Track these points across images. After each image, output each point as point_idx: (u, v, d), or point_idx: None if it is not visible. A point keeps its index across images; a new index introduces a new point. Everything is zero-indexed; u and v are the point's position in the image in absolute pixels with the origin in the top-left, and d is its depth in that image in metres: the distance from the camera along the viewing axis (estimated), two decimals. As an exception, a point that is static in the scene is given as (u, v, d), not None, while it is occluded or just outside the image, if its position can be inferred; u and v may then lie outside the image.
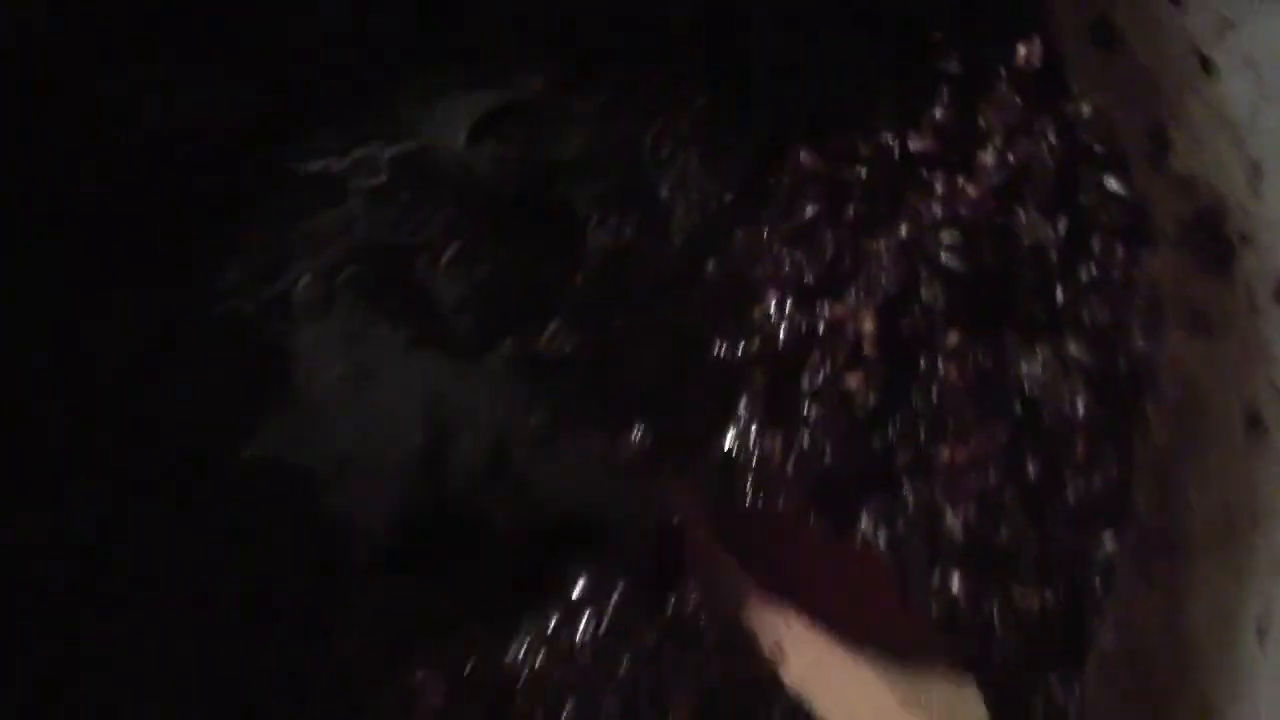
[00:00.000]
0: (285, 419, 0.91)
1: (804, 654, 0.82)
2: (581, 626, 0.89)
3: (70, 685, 0.84)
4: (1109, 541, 0.90)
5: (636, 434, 0.91)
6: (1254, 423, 0.81)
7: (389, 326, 0.92)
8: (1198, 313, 0.87)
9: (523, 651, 0.89)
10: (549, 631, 0.90)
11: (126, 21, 0.90)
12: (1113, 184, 0.91)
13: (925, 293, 0.91)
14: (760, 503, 0.90)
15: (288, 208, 0.92)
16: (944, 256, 0.91)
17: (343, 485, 0.90)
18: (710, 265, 0.94)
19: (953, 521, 0.89)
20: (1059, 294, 0.92)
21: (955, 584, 0.89)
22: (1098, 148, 0.91)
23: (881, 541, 0.90)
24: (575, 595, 0.90)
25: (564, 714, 0.87)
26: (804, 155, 0.93)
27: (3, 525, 0.86)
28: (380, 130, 0.93)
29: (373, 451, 0.91)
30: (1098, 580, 0.89)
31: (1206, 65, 0.81)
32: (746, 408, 0.92)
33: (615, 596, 0.89)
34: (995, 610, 0.89)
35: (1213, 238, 0.84)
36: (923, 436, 0.91)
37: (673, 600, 0.89)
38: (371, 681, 0.87)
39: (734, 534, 0.86)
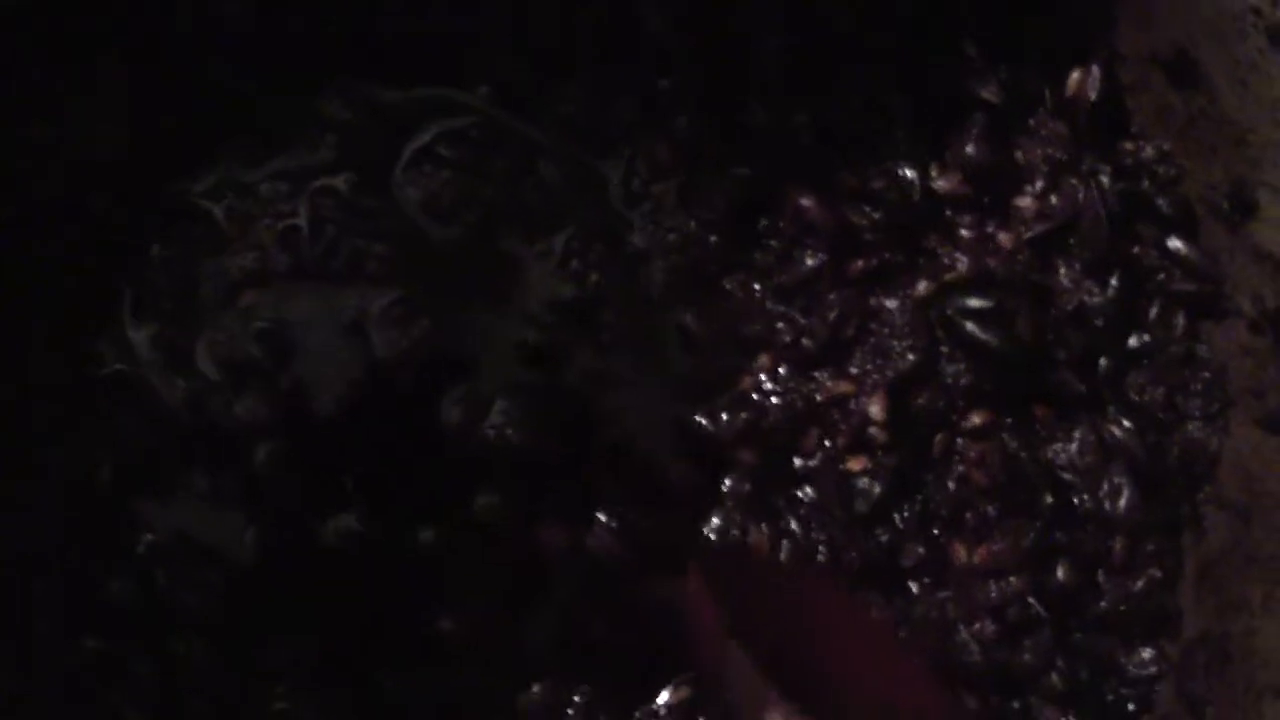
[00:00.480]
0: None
1: None
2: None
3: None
4: (1147, 656, 0.77)
5: (607, 527, 0.79)
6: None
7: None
8: (1270, 405, 0.73)
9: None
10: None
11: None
12: (1177, 244, 0.76)
13: (945, 366, 0.77)
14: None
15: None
16: (969, 325, 0.76)
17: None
18: (690, 320, 0.80)
19: (967, 637, 0.77)
20: (1103, 365, 0.78)
21: (968, 706, 0.77)
22: (1161, 201, 0.76)
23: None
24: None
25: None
26: (804, 196, 0.78)
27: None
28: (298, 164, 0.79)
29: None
30: (1132, 702, 0.78)
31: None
32: (732, 491, 0.79)
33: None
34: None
35: (1296, 326, 0.70)
36: (936, 533, 0.78)
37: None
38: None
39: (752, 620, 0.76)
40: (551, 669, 0.79)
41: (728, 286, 0.80)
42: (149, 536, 0.78)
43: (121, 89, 0.78)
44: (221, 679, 0.78)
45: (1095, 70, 0.76)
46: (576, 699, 0.78)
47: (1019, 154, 0.78)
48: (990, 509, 0.78)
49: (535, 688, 0.79)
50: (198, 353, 0.78)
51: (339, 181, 0.79)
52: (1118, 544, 0.78)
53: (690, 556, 0.79)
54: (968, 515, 0.78)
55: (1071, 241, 0.78)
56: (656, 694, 0.79)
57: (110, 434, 0.77)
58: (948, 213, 0.79)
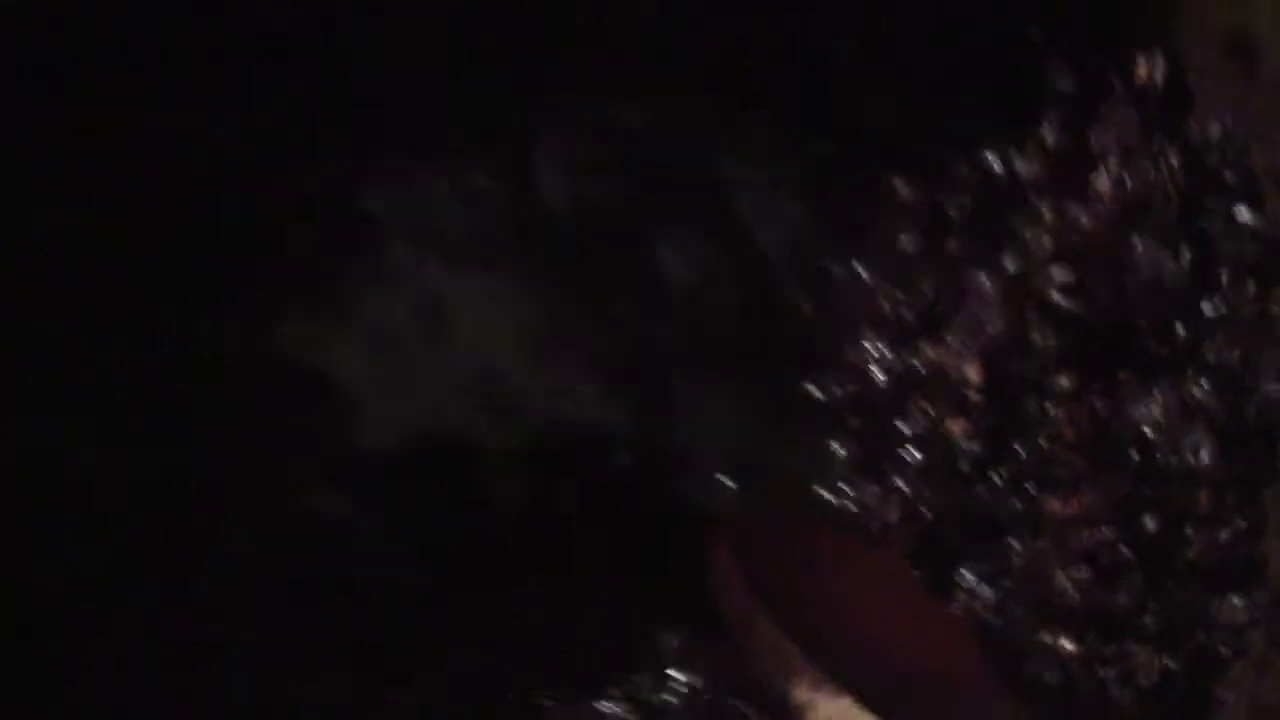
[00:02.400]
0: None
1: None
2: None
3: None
4: (1237, 603, 0.83)
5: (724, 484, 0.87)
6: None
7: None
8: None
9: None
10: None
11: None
12: (1244, 214, 0.83)
13: (1034, 334, 0.84)
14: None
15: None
16: (1055, 295, 0.84)
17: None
18: (800, 302, 0.88)
19: (1063, 581, 0.83)
20: (1181, 332, 0.84)
21: (1068, 648, 0.83)
22: (1228, 175, 0.83)
23: (987, 599, 0.84)
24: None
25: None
26: (898, 182, 0.86)
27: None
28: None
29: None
30: (1224, 646, 0.83)
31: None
32: (843, 455, 0.87)
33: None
34: (1113, 677, 0.83)
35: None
36: (1031, 488, 0.84)
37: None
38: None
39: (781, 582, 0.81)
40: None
41: (832, 269, 0.89)
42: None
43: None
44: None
45: (1160, 55, 0.84)
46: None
47: (1093, 139, 0.86)
48: (1080, 464, 0.84)
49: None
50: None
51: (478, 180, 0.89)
52: (1202, 497, 0.83)
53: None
54: (1060, 471, 0.85)
55: (1145, 218, 0.85)
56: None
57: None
58: (1030, 196, 0.87)
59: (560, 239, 0.88)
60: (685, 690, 0.84)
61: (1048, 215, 0.86)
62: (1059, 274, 0.84)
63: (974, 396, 0.84)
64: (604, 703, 0.84)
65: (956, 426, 0.85)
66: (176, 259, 0.86)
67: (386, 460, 0.86)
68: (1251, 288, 0.84)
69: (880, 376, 0.87)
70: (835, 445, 0.87)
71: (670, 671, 0.85)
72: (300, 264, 0.88)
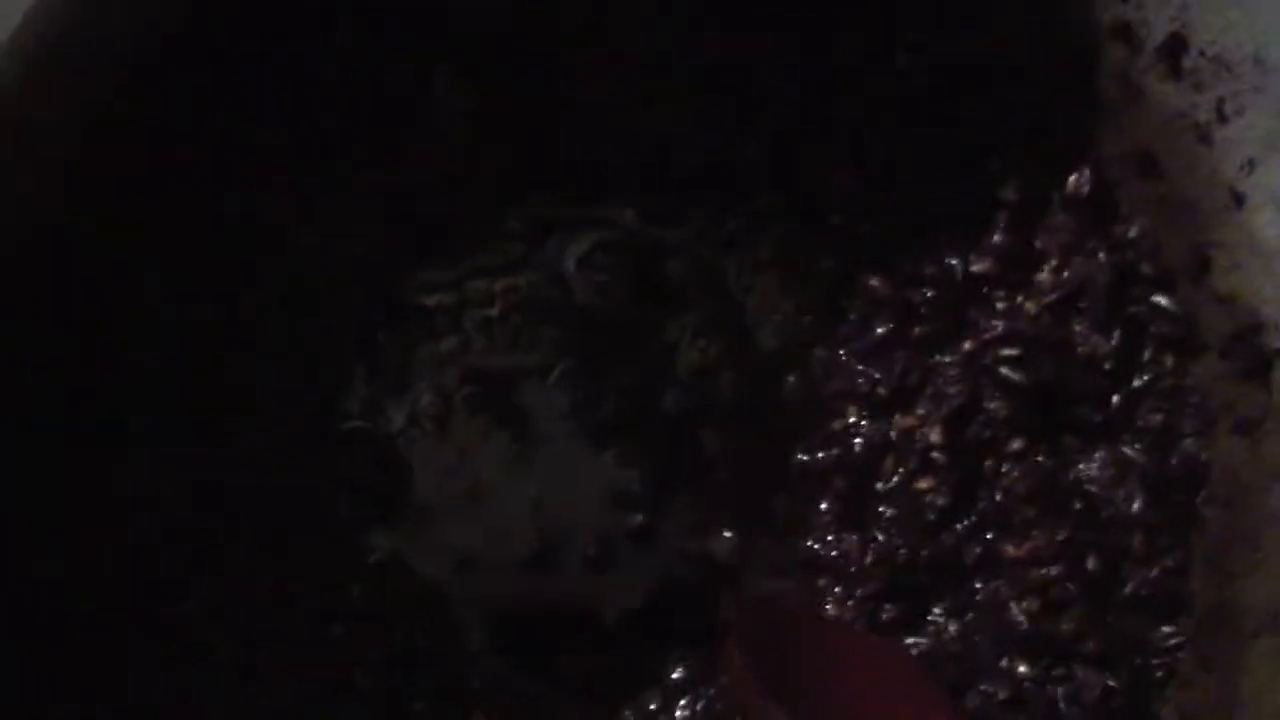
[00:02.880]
0: (409, 528, 1.02)
1: None
2: (679, 711, 0.99)
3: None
4: (1168, 630, 0.97)
5: (727, 536, 1.01)
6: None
7: (500, 440, 1.02)
8: (1242, 417, 0.94)
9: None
10: (648, 712, 1.00)
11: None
12: (1161, 300, 0.98)
13: (989, 404, 0.99)
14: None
15: (408, 337, 1.04)
16: (1005, 370, 0.99)
17: (459, 584, 1.01)
18: (792, 381, 1.03)
19: (1018, 613, 0.97)
20: (1114, 401, 0.99)
21: (1021, 670, 0.97)
22: (1145, 267, 0.99)
23: (952, 631, 0.98)
24: (674, 678, 1.00)
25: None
26: (874, 280, 1.02)
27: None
28: (491, 265, 1.04)
29: (487, 555, 1.02)
30: (1158, 668, 0.96)
31: (1237, 198, 0.90)
32: (827, 510, 1.01)
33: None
34: (1060, 695, 0.97)
35: (1252, 350, 0.91)
36: (989, 534, 0.99)
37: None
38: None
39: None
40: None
41: (819, 353, 1.03)
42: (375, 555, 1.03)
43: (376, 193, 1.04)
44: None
45: (1087, 172, 1.00)
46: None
47: (1037, 240, 1.01)
48: (1031, 513, 0.98)
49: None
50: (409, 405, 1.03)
51: (521, 280, 1.04)
52: (1136, 539, 0.97)
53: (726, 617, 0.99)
54: (1014, 519, 0.98)
55: (1081, 305, 1.00)
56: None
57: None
58: (984, 289, 1.02)
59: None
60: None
61: (999, 304, 1.01)
62: (1009, 351, 0.99)
63: (939, 456, 0.99)
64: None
65: (925, 483, 0.99)
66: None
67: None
68: (1170, 360, 0.99)
69: (859, 442, 1.01)
70: (821, 503, 1.02)
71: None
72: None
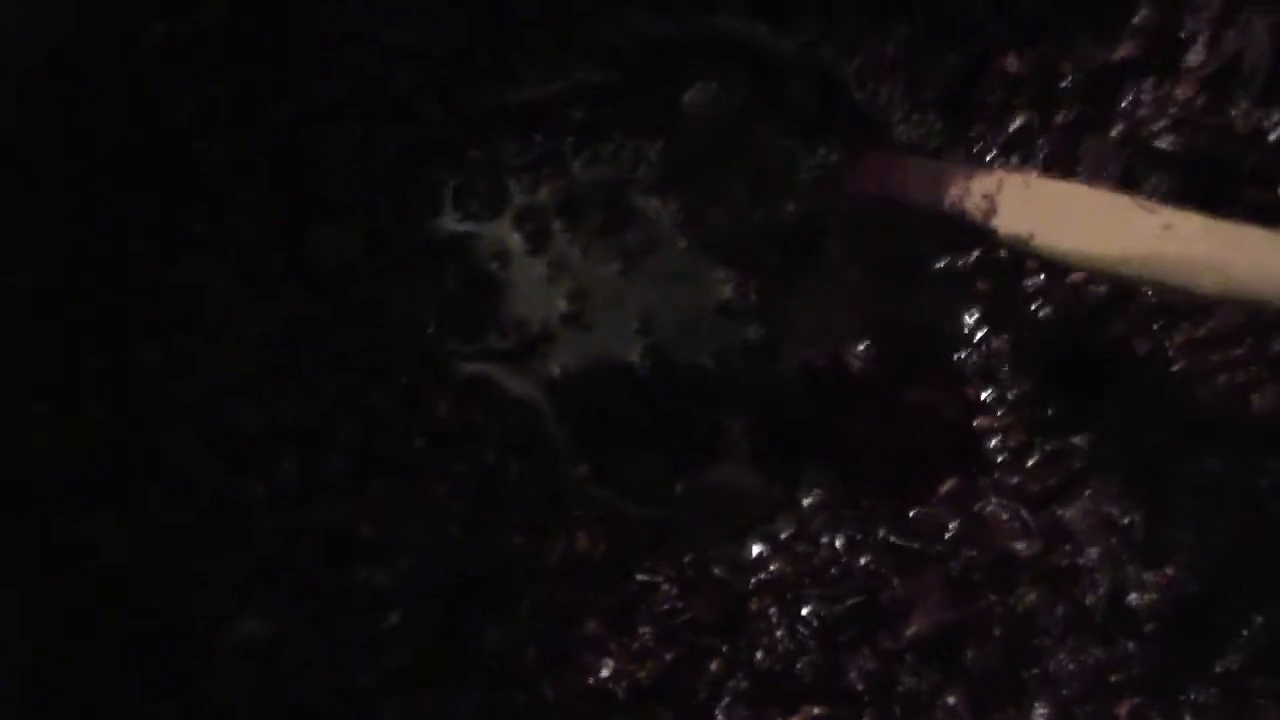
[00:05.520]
0: (502, 345, 0.93)
1: (1014, 192, 0.82)
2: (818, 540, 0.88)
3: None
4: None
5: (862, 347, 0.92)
6: None
7: (602, 255, 0.95)
8: None
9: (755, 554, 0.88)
10: (781, 541, 0.88)
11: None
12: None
13: (1146, 183, 0.90)
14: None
15: (500, 151, 0.97)
16: (1159, 143, 0.90)
17: (556, 403, 0.92)
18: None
19: (1204, 392, 0.86)
20: (1287, 181, 0.90)
21: (1213, 463, 0.85)
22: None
23: (1130, 422, 0.87)
24: (807, 503, 0.89)
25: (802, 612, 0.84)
26: (1010, 60, 0.94)
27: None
28: (592, 81, 0.98)
29: (592, 371, 0.92)
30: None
31: None
32: (973, 315, 0.92)
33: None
34: (1263, 488, 0.85)
35: None
36: (1156, 325, 0.89)
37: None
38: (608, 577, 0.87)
39: None
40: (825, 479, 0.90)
41: (951, 155, 0.95)
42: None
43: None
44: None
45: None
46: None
47: (1185, 22, 0.94)
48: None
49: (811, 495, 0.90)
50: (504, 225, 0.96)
51: (625, 96, 0.97)
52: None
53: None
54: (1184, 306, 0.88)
55: (1238, 81, 0.92)
56: (928, 493, 0.89)
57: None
58: (1129, 76, 0.94)
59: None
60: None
61: (1146, 95, 0.94)
62: (1162, 127, 0.91)
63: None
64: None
65: (1079, 275, 0.90)
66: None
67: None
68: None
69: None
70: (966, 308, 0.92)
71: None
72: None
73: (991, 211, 0.82)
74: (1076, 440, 0.87)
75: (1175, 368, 0.87)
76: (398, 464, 0.89)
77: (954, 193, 0.84)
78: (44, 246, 0.89)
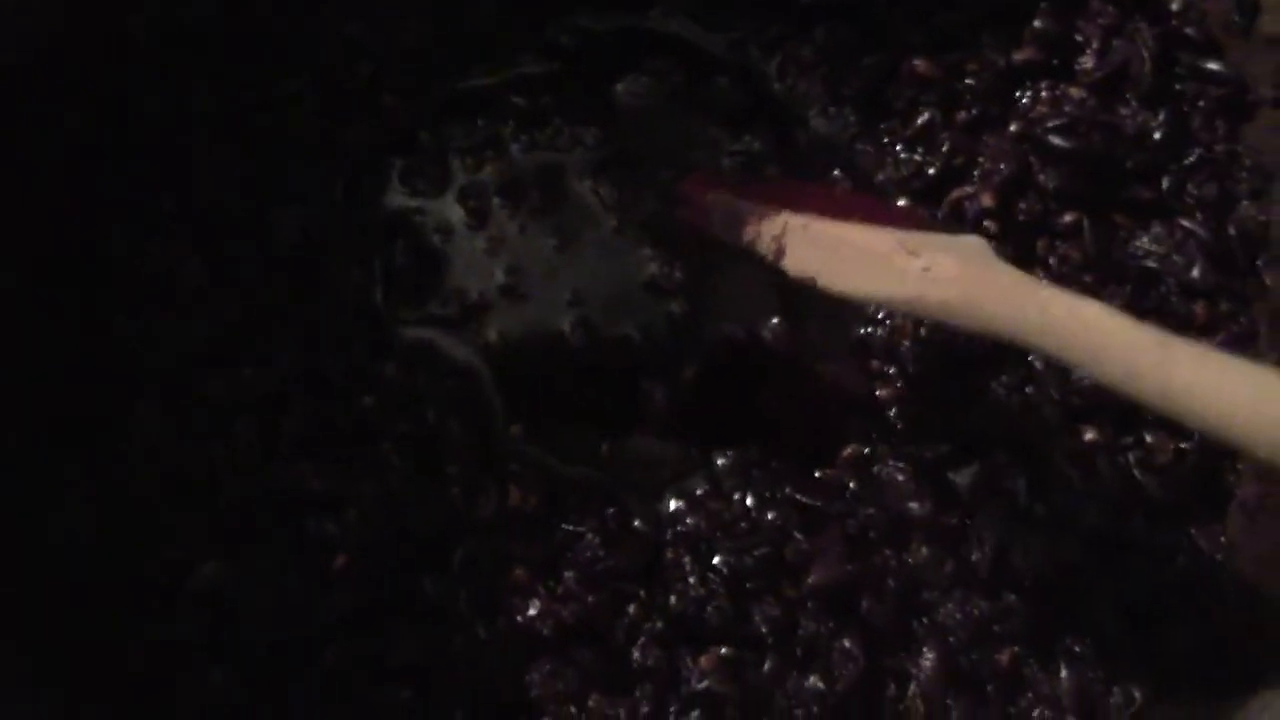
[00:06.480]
0: (443, 314, 1.00)
1: (800, 235, 0.88)
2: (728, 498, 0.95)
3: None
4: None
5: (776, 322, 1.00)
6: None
7: (538, 233, 1.02)
8: (1297, 162, 0.94)
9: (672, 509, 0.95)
10: (695, 497, 0.95)
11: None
12: (1210, 64, 0.99)
13: (1039, 177, 0.98)
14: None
15: (447, 135, 1.05)
16: (1053, 139, 0.98)
17: (493, 369, 0.99)
18: (838, 174, 1.03)
19: (1081, 380, 0.93)
20: (1166, 181, 0.98)
21: (1089, 437, 0.93)
22: (1189, 31, 0.99)
23: (1015, 403, 0.94)
24: (720, 464, 0.96)
25: (713, 562, 0.92)
26: (919, 63, 1.02)
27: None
28: (534, 74, 1.06)
29: (527, 339, 1.00)
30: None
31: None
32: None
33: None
34: (1132, 460, 0.93)
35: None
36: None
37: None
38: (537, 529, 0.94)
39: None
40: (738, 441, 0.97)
41: (862, 146, 1.03)
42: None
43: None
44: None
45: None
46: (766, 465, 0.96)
47: (1078, 28, 1.03)
48: (1088, 280, 0.96)
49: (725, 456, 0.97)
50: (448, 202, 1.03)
51: (563, 86, 1.06)
52: (1199, 307, 0.96)
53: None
54: (1072, 288, 0.95)
55: (1126, 86, 1.00)
56: (832, 456, 0.96)
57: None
58: (1028, 77, 1.02)
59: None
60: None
61: (1043, 94, 1.02)
62: (1056, 124, 0.99)
63: (991, 225, 0.98)
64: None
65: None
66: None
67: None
68: (1222, 128, 0.99)
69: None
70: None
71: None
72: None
73: (780, 253, 0.89)
74: (968, 413, 0.95)
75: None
76: (347, 423, 0.96)
77: (748, 233, 0.91)
78: (20, 231, 0.95)
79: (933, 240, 0.82)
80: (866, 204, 0.97)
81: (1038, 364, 0.95)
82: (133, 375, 0.96)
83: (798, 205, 0.90)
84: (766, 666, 0.89)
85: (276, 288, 0.99)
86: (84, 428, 0.95)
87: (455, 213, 1.02)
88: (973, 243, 0.82)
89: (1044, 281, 0.82)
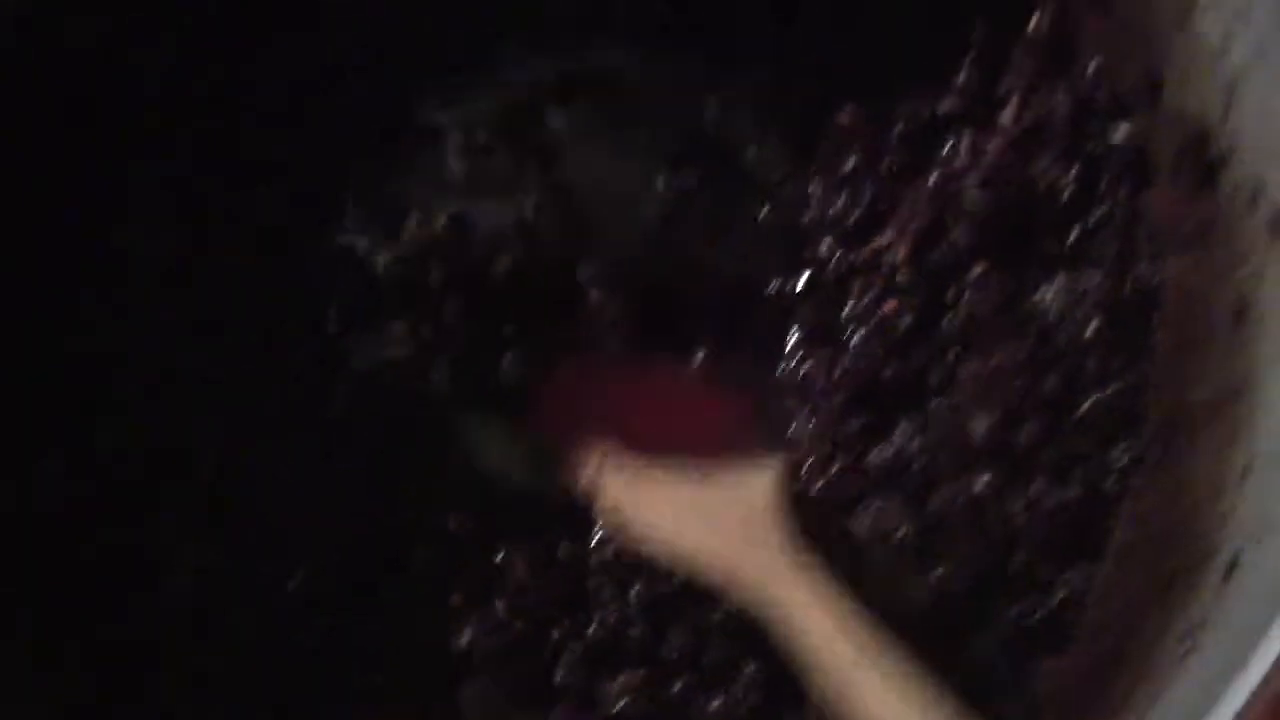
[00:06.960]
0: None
1: (617, 481, 0.99)
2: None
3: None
4: (1124, 446, 1.00)
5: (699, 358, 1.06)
6: (1239, 315, 0.93)
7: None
8: (1189, 232, 0.99)
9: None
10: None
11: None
12: (1117, 130, 1.04)
13: (953, 231, 1.04)
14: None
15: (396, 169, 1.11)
16: (967, 196, 1.04)
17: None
18: (764, 213, 1.09)
19: (978, 428, 1.01)
20: (1072, 234, 1.04)
21: (983, 480, 1.01)
22: (1102, 97, 1.04)
23: (915, 445, 1.02)
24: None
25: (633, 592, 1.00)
26: (845, 115, 1.08)
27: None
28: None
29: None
30: (1112, 481, 1.00)
31: (1183, 10, 0.97)
32: (796, 337, 1.06)
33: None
34: (1019, 508, 1.01)
35: (1199, 161, 0.97)
36: (952, 354, 1.03)
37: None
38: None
39: None
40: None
41: (791, 187, 1.10)
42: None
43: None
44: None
45: (1048, 12, 1.07)
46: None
47: (1002, 82, 1.08)
48: (992, 334, 1.03)
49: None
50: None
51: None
52: (1090, 361, 1.03)
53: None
54: (976, 339, 1.03)
55: (1042, 142, 1.06)
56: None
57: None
58: (950, 127, 1.08)
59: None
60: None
61: (964, 142, 1.07)
62: (972, 182, 1.05)
63: (904, 278, 1.04)
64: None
65: (890, 306, 1.04)
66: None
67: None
68: (1124, 192, 1.04)
69: (830, 268, 1.07)
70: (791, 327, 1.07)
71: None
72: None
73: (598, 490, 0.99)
74: (871, 457, 1.03)
75: (959, 399, 1.03)
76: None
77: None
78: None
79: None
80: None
81: (942, 411, 1.03)
82: (108, 359, 1.04)
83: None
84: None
85: (249, 265, 1.06)
86: (62, 413, 1.02)
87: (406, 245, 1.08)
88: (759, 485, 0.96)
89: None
